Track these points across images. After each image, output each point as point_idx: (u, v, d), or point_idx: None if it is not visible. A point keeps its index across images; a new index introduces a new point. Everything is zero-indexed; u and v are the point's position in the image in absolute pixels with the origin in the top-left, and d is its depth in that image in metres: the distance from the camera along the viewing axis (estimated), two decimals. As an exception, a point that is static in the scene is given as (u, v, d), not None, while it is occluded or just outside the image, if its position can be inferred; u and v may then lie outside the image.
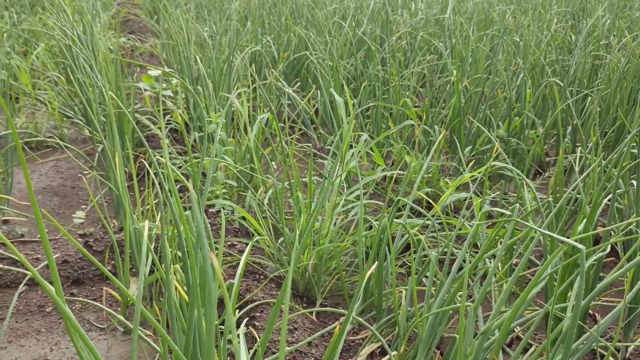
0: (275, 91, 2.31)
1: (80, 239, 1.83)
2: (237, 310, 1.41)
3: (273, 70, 2.71)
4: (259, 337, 1.30)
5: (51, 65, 3.18)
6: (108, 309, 1.25)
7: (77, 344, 0.91)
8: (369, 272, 1.36)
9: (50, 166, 2.59)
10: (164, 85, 2.86)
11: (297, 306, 1.52)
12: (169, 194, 1.07)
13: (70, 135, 2.88)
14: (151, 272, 1.59)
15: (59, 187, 2.42)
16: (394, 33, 3.20)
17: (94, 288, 1.66)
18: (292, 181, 1.74)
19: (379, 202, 1.89)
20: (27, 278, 1.60)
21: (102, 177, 2.36)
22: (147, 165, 1.67)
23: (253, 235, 1.76)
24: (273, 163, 2.06)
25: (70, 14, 3.02)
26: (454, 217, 2.04)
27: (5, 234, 1.91)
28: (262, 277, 1.62)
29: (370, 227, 1.66)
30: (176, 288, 1.09)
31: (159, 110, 2.63)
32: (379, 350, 1.43)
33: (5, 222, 2.01)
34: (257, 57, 3.19)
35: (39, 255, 1.73)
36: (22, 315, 1.56)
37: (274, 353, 1.28)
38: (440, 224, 1.80)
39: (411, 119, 2.28)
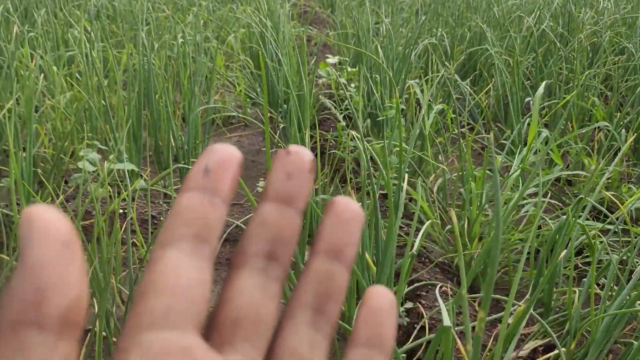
0: (448, 84, 2.33)
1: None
2: (406, 286, 1.47)
3: (447, 63, 2.73)
4: (425, 314, 1.35)
5: (241, 50, 3.49)
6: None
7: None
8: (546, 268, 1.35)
9: (234, 141, 2.87)
10: (339, 73, 3.01)
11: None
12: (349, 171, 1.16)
13: (251, 115, 3.15)
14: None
15: (241, 159, 2.67)
16: (579, 31, 3.04)
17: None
18: (464, 172, 1.76)
19: (552, 201, 1.84)
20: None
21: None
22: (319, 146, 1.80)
23: (420, 219, 1.82)
24: (444, 153, 2.09)
25: (262, 4, 3.29)
26: (632, 226, 1.92)
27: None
28: (427, 260, 1.67)
29: (539, 227, 1.63)
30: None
31: (338, 95, 2.78)
32: (542, 347, 1.42)
33: (198, 185, 2.27)
34: (430, 50, 3.22)
35: (228, 218, 1.95)
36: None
37: (438, 331, 1.33)
38: (622, 230, 1.71)
39: (597, 120, 2.17)
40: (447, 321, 0.70)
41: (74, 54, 2.89)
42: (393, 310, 0.26)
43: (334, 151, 2.24)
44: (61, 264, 0.18)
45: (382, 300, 0.25)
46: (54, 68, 2.27)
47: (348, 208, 0.26)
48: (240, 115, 2.57)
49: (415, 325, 1.36)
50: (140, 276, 1.31)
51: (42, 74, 2.11)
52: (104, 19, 3.25)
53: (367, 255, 1.12)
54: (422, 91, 2.05)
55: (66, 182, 2.09)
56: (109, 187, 1.66)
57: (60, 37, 2.84)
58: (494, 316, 1.40)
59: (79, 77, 2.61)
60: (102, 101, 2.27)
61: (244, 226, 1.33)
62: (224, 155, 0.25)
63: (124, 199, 1.58)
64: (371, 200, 1.20)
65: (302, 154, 0.26)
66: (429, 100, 2.02)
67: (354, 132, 1.22)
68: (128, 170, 2.07)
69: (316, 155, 2.51)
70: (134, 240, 1.67)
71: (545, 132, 1.76)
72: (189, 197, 0.24)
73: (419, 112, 2.16)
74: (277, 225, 0.25)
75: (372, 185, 1.12)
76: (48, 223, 0.18)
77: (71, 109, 2.23)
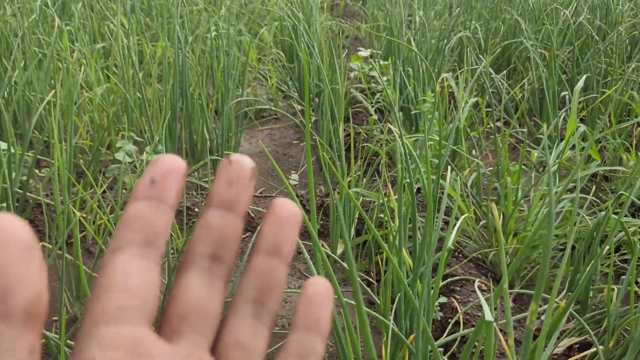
0: (483, 77, 2.30)
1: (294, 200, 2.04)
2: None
3: (481, 56, 2.69)
4: (460, 309, 1.35)
5: (273, 43, 3.50)
6: (311, 263, 1.39)
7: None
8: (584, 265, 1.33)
9: (265, 134, 2.89)
10: (371, 66, 3.00)
11: (495, 288, 1.53)
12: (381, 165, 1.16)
13: (282, 108, 3.16)
14: (359, 234, 1.72)
15: (272, 152, 2.69)
16: (617, 23, 2.97)
17: (304, 242, 1.84)
18: (499, 167, 1.74)
19: (588, 197, 1.81)
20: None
21: (313, 147, 2.57)
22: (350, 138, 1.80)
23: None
24: (478, 147, 2.07)
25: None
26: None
27: (232, 187, 2.20)
28: (460, 255, 1.67)
29: (575, 223, 1.60)
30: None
31: (369, 88, 2.78)
32: (577, 345, 1.40)
33: (231, 177, 2.30)
34: (464, 42, 3.18)
35: (261, 208, 1.96)
36: (245, 256, 1.79)
37: (472, 326, 1.33)
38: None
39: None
40: (488, 316, 0.70)
41: (111, 47, 2.94)
42: (329, 297, 0.28)
43: (366, 144, 2.23)
44: (23, 265, 0.20)
45: (318, 288, 0.28)
46: (92, 61, 2.32)
47: (286, 208, 0.28)
48: (273, 108, 2.59)
49: (449, 320, 1.35)
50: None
51: (82, 67, 2.15)
52: (138, 12, 3.29)
53: (404, 251, 1.12)
54: (456, 84, 2.03)
55: (103, 173, 2.14)
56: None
57: (97, 30, 2.90)
58: (525, 314, 1.38)
59: (115, 69, 2.65)
60: (138, 94, 2.31)
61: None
62: (169, 165, 0.26)
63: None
64: (409, 194, 1.20)
65: (242, 163, 0.28)
66: (464, 94, 2.00)
67: (392, 127, 1.22)
68: (163, 162, 2.11)
69: (348, 149, 2.51)
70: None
71: (582, 127, 1.73)
72: (136, 206, 0.26)
73: (453, 106, 2.15)
74: (220, 229, 0.27)
75: (411, 180, 1.11)
76: (11, 229, 0.20)
77: (108, 101, 2.28)
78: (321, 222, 1.89)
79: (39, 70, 2.13)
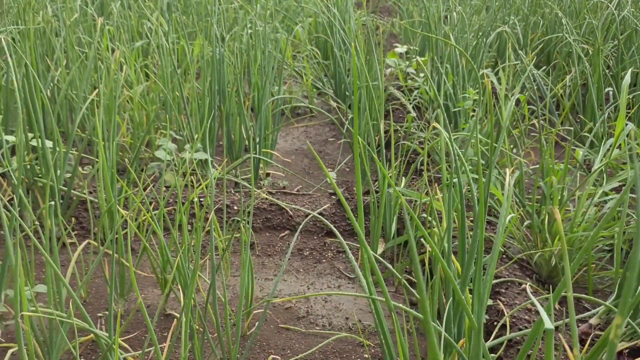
0: (527, 74, 2.25)
1: (330, 198, 2.02)
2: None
3: (521, 52, 2.64)
4: (506, 312, 1.32)
5: (308, 40, 3.49)
6: (355, 263, 1.38)
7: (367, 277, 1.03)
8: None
9: (301, 131, 2.88)
10: (407, 62, 2.97)
11: (540, 290, 1.50)
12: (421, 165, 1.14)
13: (317, 105, 3.15)
14: (400, 234, 1.70)
15: (308, 150, 2.68)
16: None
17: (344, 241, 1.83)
18: (544, 165, 1.70)
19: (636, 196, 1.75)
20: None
21: (349, 144, 2.56)
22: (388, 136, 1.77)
23: (494, 214, 1.77)
24: (520, 145, 2.03)
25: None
26: None
27: (270, 185, 2.19)
28: (504, 256, 1.63)
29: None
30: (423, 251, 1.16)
31: (406, 86, 2.75)
32: (627, 350, 1.36)
33: (268, 174, 2.30)
34: (503, 38, 3.12)
35: (296, 206, 1.96)
36: (284, 255, 1.79)
37: (520, 329, 1.30)
38: None
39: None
40: (548, 323, 0.68)
41: (149, 45, 2.97)
42: None
43: (404, 142, 2.21)
44: None
45: None
46: (132, 59, 2.34)
47: None
48: (309, 106, 2.58)
49: (495, 323, 1.33)
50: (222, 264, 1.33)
51: (124, 66, 2.18)
52: (175, 10, 3.32)
53: (453, 257, 1.10)
54: (497, 81, 1.99)
55: (143, 171, 2.16)
56: (183, 176, 1.70)
57: (136, 29, 2.93)
58: (580, 316, 1.35)
59: (153, 68, 2.68)
60: (176, 92, 2.33)
61: (319, 216, 1.34)
62: None
63: (202, 188, 1.62)
64: (457, 195, 1.18)
65: None
66: (506, 91, 1.96)
67: (436, 125, 1.20)
68: (202, 160, 2.12)
69: (385, 147, 2.49)
70: (205, 227, 1.71)
71: (631, 126, 1.68)
72: None
73: (494, 103, 2.11)
74: None
75: (459, 179, 1.09)
76: None
77: (147, 99, 2.30)
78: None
79: (82, 69, 2.17)
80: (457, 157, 1.12)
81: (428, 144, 2.27)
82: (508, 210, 0.82)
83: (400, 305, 0.93)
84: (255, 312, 1.47)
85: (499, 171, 1.85)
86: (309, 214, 1.89)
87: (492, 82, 2.11)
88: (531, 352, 1.06)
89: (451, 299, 1.08)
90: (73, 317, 1.08)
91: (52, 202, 1.25)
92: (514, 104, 1.93)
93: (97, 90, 2.03)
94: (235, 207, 1.91)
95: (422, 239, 1.58)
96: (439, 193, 1.51)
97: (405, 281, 1.24)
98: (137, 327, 1.43)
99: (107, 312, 1.47)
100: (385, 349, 1.01)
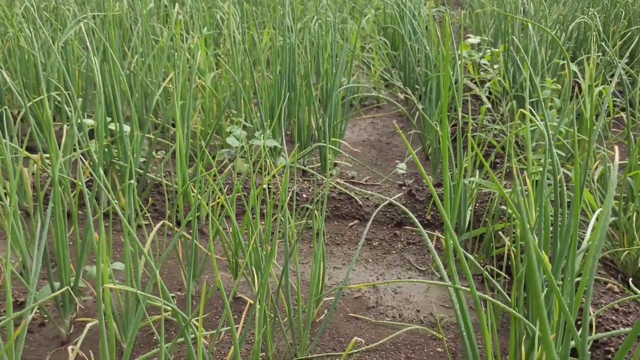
0: (609, 65, 2.14)
1: (399, 189, 1.98)
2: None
3: (602, 44, 2.50)
4: (592, 311, 1.25)
5: (375, 31, 3.45)
6: (434, 252, 1.34)
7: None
8: None
9: (368, 122, 2.85)
10: (480, 54, 2.88)
11: (627, 290, 1.41)
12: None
13: (384, 96, 3.10)
14: (475, 227, 1.64)
15: (376, 141, 2.65)
16: None
17: (414, 233, 1.79)
18: (632, 160, 1.60)
19: None
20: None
21: (419, 135, 2.50)
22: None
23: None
24: (605, 139, 1.93)
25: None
26: None
27: (338, 174, 2.17)
28: (586, 253, 1.55)
29: None
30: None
31: (478, 78, 2.67)
32: None
33: (336, 164, 2.28)
34: (582, 29, 2.98)
35: (368, 196, 1.93)
36: (353, 244, 1.76)
37: (606, 330, 1.23)
38: None
39: None
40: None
41: (219, 34, 3.01)
42: None
43: (476, 134, 2.14)
44: None
45: None
46: (204, 48, 2.37)
47: None
48: (380, 96, 2.54)
49: (579, 322, 1.26)
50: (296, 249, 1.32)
51: (198, 53, 2.21)
52: (245, 0, 3.35)
53: (542, 253, 1.05)
54: (577, 72, 1.89)
55: (213, 157, 2.19)
56: (252, 163, 1.70)
57: (208, 18, 2.97)
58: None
59: (223, 56, 2.71)
60: (246, 80, 2.35)
61: (394, 201, 1.31)
62: None
63: (274, 175, 1.61)
64: (539, 189, 1.12)
65: None
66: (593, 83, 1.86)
67: (524, 111, 1.14)
68: (271, 148, 2.13)
69: (456, 139, 2.42)
70: (276, 214, 1.70)
71: None
72: None
73: (574, 94, 2.01)
74: None
75: (555, 174, 1.04)
76: None
77: (219, 85, 2.32)
78: (432, 213, 1.83)
79: (158, 56, 2.21)
80: (551, 145, 1.06)
81: (503, 137, 2.19)
82: (611, 200, 0.76)
83: (487, 297, 0.89)
84: (324, 299, 1.45)
85: (580, 164, 1.76)
86: (379, 204, 1.86)
87: (574, 72, 2.01)
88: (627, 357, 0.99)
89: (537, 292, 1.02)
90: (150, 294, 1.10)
91: (131, 182, 1.28)
92: (597, 95, 1.83)
93: (171, 75, 2.07)
94: (304, 195, 1.90)
95: (500, 233, 1.52)
96: (519, 185, 1.44)
97: (487, 273, 1.19)
98: (207, 308, 1.44)
99: (179, 293, 1.50)
100: (468, 342, 0.97)
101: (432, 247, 1.07)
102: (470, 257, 1.11)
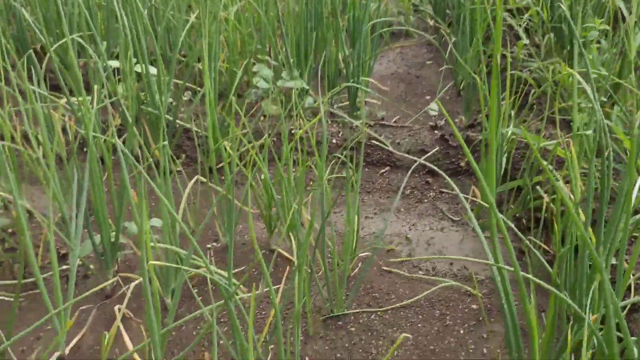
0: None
1: (431, 132, 1.93)
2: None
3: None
4: (632, 274, 1.24)
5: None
6: (466, 203, 1.31)
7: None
8: None
9: (396, 53, 2.75)
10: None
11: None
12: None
13: (414, 23, 2.97)
14: (513, 178, 1.61)
15: (405, 74, 2.56)
16: None
17: (446, 180, 1.77)
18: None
19: None
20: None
21: (450, 70, 2.41)
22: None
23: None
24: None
25: None
26: None
27: (367, 115, 2.12)
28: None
29: None
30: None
31: (516, 8, 2.52)
32: None
33: (365, 102, 2.22)
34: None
35: (399, 140, 1.89)
36: (384, 192, 1.75)
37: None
38: None
39: None
40: None
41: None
42: None
43: (514, 72, 2.05)
44: None
45: None
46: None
47: None
48: (409, 29, 2.42)
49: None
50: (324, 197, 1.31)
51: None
52: None
53: (590, 231, 1.02)
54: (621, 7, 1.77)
55: (239, 96, 2.14)
56: (279, 104, 1.65)
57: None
58: None
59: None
60: (271, 12, 2.25)
61: (426, 162, 1.27)
62: None
63: (313, 123, 1.57)
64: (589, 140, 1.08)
65: None
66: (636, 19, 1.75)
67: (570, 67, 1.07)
68: (298, 89, 2.07)
69: (490, 74, 2.33)
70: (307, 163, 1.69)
71: None
72: None
73: (619, 31, 1.90)
74: None
75: (606, 136, 0.99)
76: None
77: (242, 18, 2.23)
78: (465, 160, 1.79)
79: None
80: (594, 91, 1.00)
81: (539, 73, 2.10)
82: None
83: (530, 276, 0.88)
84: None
85: (620, 108, 1.69)
86: (410, 150, 1.82)
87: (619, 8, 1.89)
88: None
89: (583, 269, 1.01)
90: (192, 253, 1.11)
91: (163, 138, 1.25)
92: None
93: (197, 12, 1.98)
94: (334, 141, 1.86)
95: (537, 187, 1.49)
96: (561, 135, 1.40)
97: (515, 228, 1.17)
98: (242, 261, 1.46)
99: (215, 244, 1.51)
100: (507, 305, 0.98)
101: (464, 199, 1.05)
102: (510, 225, 1.09)
